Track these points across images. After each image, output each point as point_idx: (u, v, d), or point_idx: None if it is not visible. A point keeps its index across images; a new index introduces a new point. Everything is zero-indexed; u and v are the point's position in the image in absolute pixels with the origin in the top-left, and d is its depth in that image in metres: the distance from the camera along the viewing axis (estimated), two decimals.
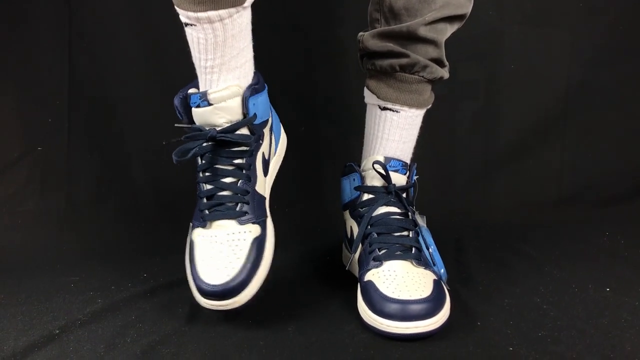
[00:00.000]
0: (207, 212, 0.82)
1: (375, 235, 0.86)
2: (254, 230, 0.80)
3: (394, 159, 0.91)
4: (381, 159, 0.90)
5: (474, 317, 0.82)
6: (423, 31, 0.85)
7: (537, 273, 0.97)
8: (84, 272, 1.01)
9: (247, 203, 0.81)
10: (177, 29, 1.26)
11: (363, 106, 0.96)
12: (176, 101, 0.84)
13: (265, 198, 0.86)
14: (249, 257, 0.77)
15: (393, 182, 0.89)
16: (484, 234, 1.15)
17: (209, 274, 0.76)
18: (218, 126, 0.81)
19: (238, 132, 0.81)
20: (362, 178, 0.92)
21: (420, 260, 0.83)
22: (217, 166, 0.82)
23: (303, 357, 0.72)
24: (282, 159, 0.94)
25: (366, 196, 0.91)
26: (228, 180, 0.82)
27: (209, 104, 0.80)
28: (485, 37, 1.31)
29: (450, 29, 0.89)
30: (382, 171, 0.88)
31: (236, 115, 0.81)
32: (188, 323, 0.82)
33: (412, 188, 0.92)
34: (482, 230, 1.18)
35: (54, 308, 0.88)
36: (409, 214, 0.88)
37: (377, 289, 0.78)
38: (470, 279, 0.94)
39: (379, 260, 0.83)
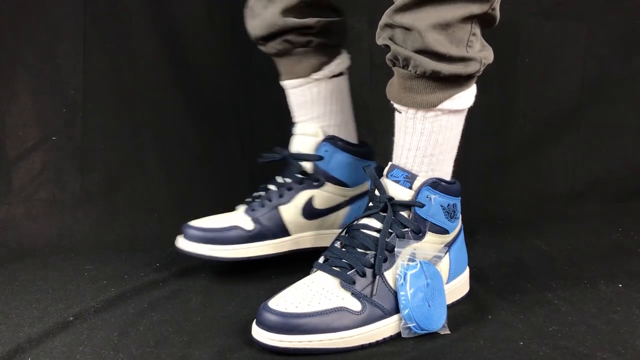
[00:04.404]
0: None
1: (338, 245, 0.80)
2: None
3: (397, 167, 0.80)
4: (390, 166, 0.81)
5: (485, 311, 0.82)
6: (397, 18, 0.74)
7: (548, 268, 0.96)
8: (97, 261, 1.02)
9: None
10: (192, 19, 1.26)
11: None
12: None
13: None
14: None
15: (390, 194, 0.79)
16: (496, 228, 1.15)
17: None
18: None
19: None
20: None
21: (350, 284, 0.74)
22: None
23: None
24: None
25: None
26: None
27: None
28: (499, 29, 1.30)
29: (435, 13, 0.73)
30: (371, 177, 0.81)
31: None
32: (200, 313, 0.82)
33: (425, 209, 0.78)
34: (495, 224, 1.18)
35: (67, 296, 0.89)
36: (391, 234, 0.77)
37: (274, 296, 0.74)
38: (481, 273, 0.94)
39: (314, 268, 0.79)
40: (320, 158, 0.95)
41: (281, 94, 1.22)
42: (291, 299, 0.73)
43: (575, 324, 0.77)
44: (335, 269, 0.76)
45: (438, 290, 0.77)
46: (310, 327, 0.71)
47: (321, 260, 0.79)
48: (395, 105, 0.79)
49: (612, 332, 0.75)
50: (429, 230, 0.79)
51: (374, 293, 0.74)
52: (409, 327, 0.74)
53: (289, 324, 0.70)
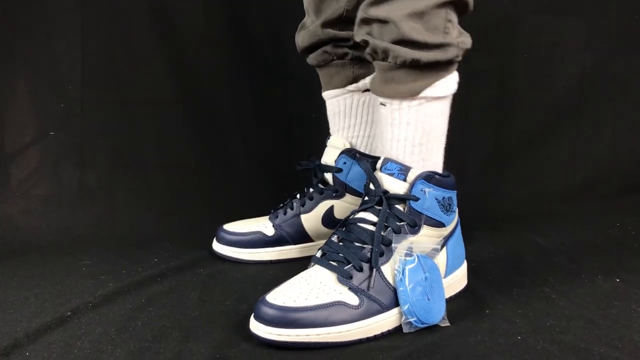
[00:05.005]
0: None
1: (335, 239, 0.80)
2: None
3: (391, 160, 0.80)
4: (383, 159, 0.81)
5: (483, 305, 0.82)
6: (372, 11, 0.76)
7: (546, 263, 0.96)
8: (95, 256, 1.02)
9: None
10: (190, 15, 1.26)
11: None
12: None
13: None
14: None
15: (385, 188, 0.79)
16: (495, 224, 1.15)
17: None
18: None
19: None
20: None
21: (347, 278, 0.75)
22: None
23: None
24: None
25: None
26: None
27: None
28: (498, 25, 1.30)
29: (409, 3, 0.74)
30: (365, 171, 0.81)
31: None
32: (198, 308, 0.82)
33: (420, 203, 0.78)
34: (493, 219, 1.18)
35: (65, 291, 0.89)
36: (391, 225, 0.77)
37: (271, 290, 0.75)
38: (480, 268, 0.94)
39: (312, 262, 0.79)
40: (339, 170, 0.98)
41: (280, 91, 1.23)
42: (289, 293, 0.73)
43: (573, 319, 0.78)
44: (333, 263, 0.76)
45: (436, 284, 0.77)
46: (308, 321, 0.71)
47: (319, 254, 0.79)
48: (380, 99, 0.80)
49: (610, 326, 0.76)
50: (424, 224, 0.79)
51: (372, 287, 0.74)
52: (410, 322, 0.74)
53: (286, 318, 0.70)
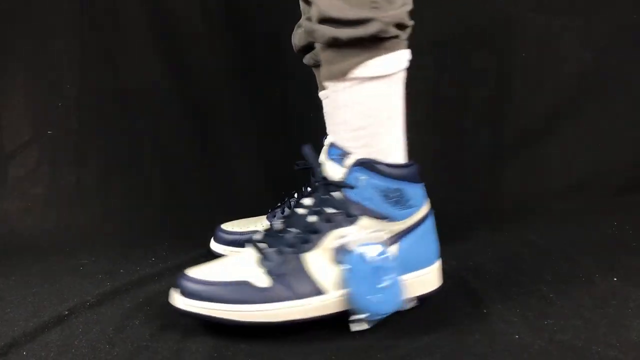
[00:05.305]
0: None
1: (279, 222, 0.78)
2: None
3: (334, 144, 0.76)
4: (329, 144, 0.77)
5: (481, 304, 0.82)
6: None
7: (544, 262, 0.96)
8: (93, 255, 1.02)
9: None
10: (189, 14, 1.26)
11: None
12: None
13: None
14: None
15: (327, 174, 0.75)
16: (492, 222, 1.15)
17: None
18: None
19: None
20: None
21: (268, 261, 0.74)
22: None
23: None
24: None
25: None
26: None
27: None
28: (496, 24, 1.30)
29: None
30: (307, 156, 0.77)
31: None
32: None
33: (358, 192, 0.74)
34: (491, 218, 1.18)
35: (63, 290, 0.89)
36: (322, 212, 0.74)
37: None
38: (477, 267, 0.94)
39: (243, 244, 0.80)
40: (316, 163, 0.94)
41: (280, 91, 1.22)
42: (209, 269, 0.75)
43: (571, 318, 0.78)
44: (261, 244, 0.76)
45: (387, 270, 0.72)
46: (208, 294, 0.72)
47: (259, 235, 0.79)
48: (324, 82, 0.77)
49: (608, 325, 0.76)
50: (364, 215, 0.74)
51: (287, 273, 0.72)
52: (363, 319, 0.72)
53: (191, 289, 0.72)
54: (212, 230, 1.03)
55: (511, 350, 0.70)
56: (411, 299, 0.74)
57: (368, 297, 0.71)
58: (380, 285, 0.71)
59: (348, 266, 0.71)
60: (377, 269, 0.72)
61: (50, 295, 0.87)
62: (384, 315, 0.73)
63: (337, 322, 0.78)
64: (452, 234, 1.08)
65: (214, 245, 1.01)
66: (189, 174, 1.28)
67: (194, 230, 1.11)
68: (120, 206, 1.22)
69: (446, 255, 0.99)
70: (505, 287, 0.87)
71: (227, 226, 1.01)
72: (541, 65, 1.32)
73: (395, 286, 0.73)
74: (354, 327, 0.73)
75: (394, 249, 0.76)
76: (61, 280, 0.92)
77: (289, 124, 1.32)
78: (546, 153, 1.33)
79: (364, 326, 0.73)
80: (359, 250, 0.72)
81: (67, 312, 0.81)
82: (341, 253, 0.72)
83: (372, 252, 0.72)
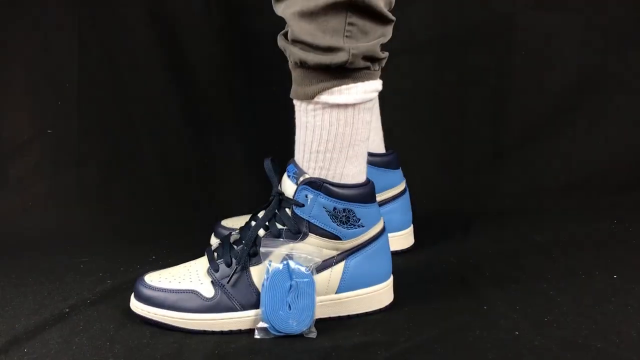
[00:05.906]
0: None
1: (236, 235, 0.80)
2: None
3: (292, 162, 0.78)
4: (290, 161, 0.79)
5: (481, 301, 0.82)
6: (276, 8, 0.75)
7: (544, 259, 0.97)
8: (93, 253, 1.02)
9: None
10: (188, 12, 1.26)
11: None
12: None
13: None
14: None
15: (281, 190, 0.77)
16: (492, 220, 1.15)
17: None
18: None
19: None
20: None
21: (214, 271, 0.76)
22: None
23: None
24: None
25: None
26: None
27: None
28: (496, 22, 1.30)
29: (300, 1, 0.70)
30: (266, 170, 0.79)
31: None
32: None
33: (306, 209, 0.74)
34: (491, 216, 1.18)
35: (64, 288, 0.89)
36: (272, 227, 0.76)
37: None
38: (477, 265, 0.94)
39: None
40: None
41: (279, 90, 1.21)
42: (165, 275, 0.78)
43: (571, 314, 0.78)
44: (214, 254, 0.79)
45: (304, 294, 0.73)
46: (157, 301, 0.75)
47: (215, 244, 0.81)
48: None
49: (607, 322, 0.76)
50: (311, 232, 0.75)
51: (232, 284, 0.75)
52: (265, 328, 0.73)
53: (143, 294, 0.76)
54: (211, 228, 1.03)
55: (511, 347, 0.70)
56: (313, 330, 0.74)
57: (280, 312, 0.73)
58: (293, 304, 0.73)
59: (268, 277, 0.73)
60: (294, 288, 0.73)
61: (50, 293, 0.87)
62: (286, 333, 0.73)
63: (337, 321, 0.78)
64: (453, 232, 1.08)
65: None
66: (189, 173, 1.28)
67: (194, 229, 1.11)
68: (120, 204, 1.22)
69: (446, 252, 1.00)
70: (506, 284, 0.87)
71: (227, 222, 1.01)
72: (541, 65, 1.33)
73: (308, 310, 0.73)
74: (257, 335, 0.74)
75: (339, 268, 0.77)
76: (62, 278, 0.92)
77: (290, 124, 1.32)
78: (546, 151, 1.33)
79: (269, 335, 0.74)
80: (283, 266, 0.73)
81: (67, 310, 0.81)
82: (270, 266, 0.74)
83: (300, 271, 0.73)
